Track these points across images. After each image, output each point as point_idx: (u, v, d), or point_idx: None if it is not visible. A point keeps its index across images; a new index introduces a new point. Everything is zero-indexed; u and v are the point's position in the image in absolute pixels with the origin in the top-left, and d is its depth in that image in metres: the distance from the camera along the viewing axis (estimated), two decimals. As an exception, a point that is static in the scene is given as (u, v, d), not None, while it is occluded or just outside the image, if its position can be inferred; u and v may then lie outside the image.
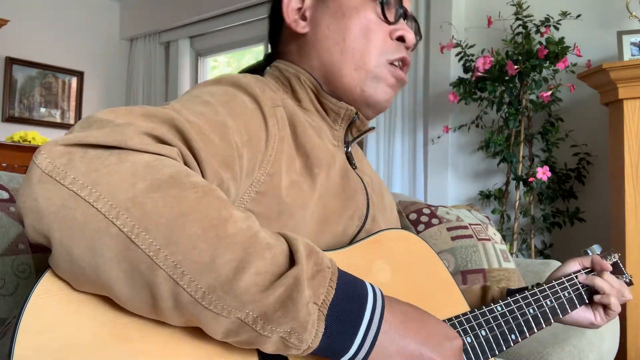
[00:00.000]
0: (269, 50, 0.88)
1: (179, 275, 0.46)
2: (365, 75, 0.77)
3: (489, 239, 1.55)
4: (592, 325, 0.92)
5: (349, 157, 0.80)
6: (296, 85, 0.77)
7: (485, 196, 2.61)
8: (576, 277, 0.92)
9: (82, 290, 0.49)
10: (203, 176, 0.55)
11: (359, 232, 0.76)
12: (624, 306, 1.51)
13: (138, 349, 0.49)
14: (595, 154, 2.44)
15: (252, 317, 0.48)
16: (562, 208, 2.49)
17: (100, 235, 0.45)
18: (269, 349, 0.50)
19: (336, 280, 0.52)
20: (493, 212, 2.47)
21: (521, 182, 2.38)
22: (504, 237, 2.33)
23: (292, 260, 0.51)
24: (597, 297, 0.90)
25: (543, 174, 2.21)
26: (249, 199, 0.64)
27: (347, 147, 0.81)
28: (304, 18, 0.79)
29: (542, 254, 2.49)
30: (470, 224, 1.56)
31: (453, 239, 1.50)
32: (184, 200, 0.47)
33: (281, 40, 0.83)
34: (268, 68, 0.83)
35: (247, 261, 0.47)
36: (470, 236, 1.52)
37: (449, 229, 1.52)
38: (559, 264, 1.61)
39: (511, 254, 2.33)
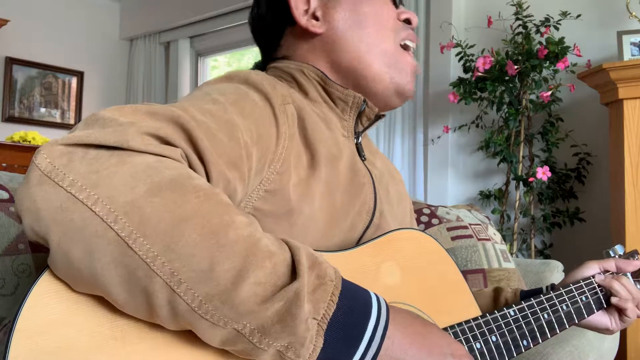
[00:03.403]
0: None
1: (176, 283, 0.45)
2: (389, 61, 0.78)
3: (489, 239, 1.54)
4: (607, 331, 0.89)
5: (359, 149, 0.80)
6: (301, 78, 0.76)
7: (485, 196, 2.61)
8: (594, 279, 0.87)
9: (81, 292, 0.48)
10: (208, 177, 0.54)
11: (367, 227, 0.75)
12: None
13: (135, 351, 0.48)
14: (595, 154, 2.44)
15: (249, 328, 0.47)
16: (562, 208, 2.49)
17: (98, 239, 0.44)
18: None
19: (338, 294, 0.50)
20: (493, 212, 2.47)
21: (521, 182, 2.38)
22: (504, 237, 2.32)
23: (293, 271, 0.49)
24: (614, 300, 0.86)
25: (543, 174, 2.21)
26: (257, 197, 0.63)
27: (358, 138, 0.80)
28: (315, 18, 0.78)
29: (542, 254, 2.49)
30: (470, 224, 1.56)
31: (453, 239, 1.50)
32: (184, 205, 0.46)
33: (282, 45, 0.81)
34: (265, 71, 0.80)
35: (247, 270, 0.46)
36: (470, 236, 1.52)
37: (449, 229, 1.52)
38: (559, 264, 1.60)
39: (511, 254, 2.33)
